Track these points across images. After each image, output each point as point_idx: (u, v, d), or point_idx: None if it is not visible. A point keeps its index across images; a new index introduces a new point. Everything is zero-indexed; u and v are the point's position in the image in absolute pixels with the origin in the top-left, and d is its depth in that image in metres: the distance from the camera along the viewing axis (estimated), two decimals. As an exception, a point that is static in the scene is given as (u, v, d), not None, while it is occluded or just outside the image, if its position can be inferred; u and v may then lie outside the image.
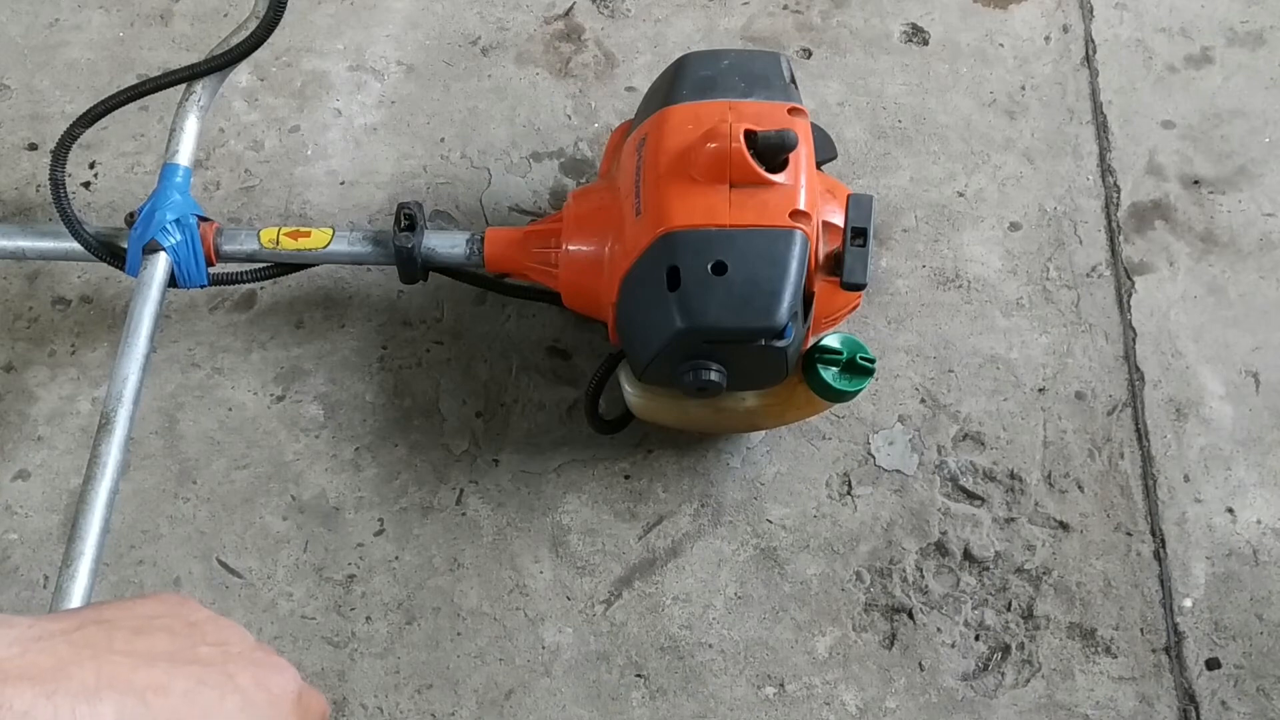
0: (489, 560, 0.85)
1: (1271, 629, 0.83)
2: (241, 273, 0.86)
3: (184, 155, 0.85)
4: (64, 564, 0.70)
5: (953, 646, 0.83)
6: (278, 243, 0.84)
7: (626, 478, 0.88)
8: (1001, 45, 1.07)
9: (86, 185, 1.00)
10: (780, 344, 0.70)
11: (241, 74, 1.04)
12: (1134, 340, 0.94)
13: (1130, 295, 0.96)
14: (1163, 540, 0.86)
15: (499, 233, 0.83)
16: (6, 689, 0.33)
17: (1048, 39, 1.08)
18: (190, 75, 0.85)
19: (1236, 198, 1.00)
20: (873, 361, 0.75)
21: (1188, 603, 0.84)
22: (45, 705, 0.34)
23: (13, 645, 0.35)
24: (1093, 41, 1.08)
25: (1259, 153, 1.02)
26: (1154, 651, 0.83)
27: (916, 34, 1.08)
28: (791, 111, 0.74)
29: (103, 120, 0.84)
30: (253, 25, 0.84)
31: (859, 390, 0.76)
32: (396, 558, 0.85)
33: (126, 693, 0.35)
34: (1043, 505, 0.88)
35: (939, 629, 0.83)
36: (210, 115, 0.93)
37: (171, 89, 0.86)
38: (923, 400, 0.91)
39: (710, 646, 0.83)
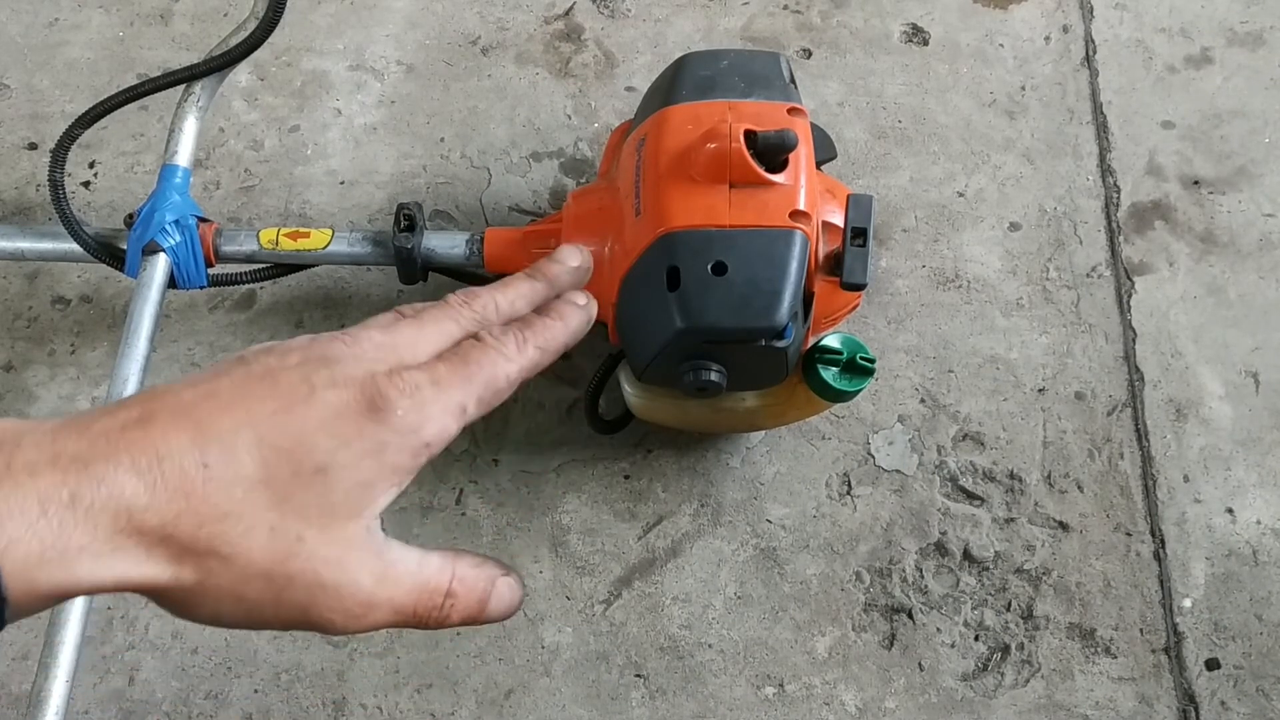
0: (489, 560, 0.85)
1: (1271, 629, 0.83)
2: (241, 273, 0.86)
3: (183, 156, 0.85)
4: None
5: (952, 646, 0.83)
6: (277, 243, 0.84)
7: (626, 478, 0.88)
8: (1001, 45, 1.07)
9: (86, 185, 1.00)
10: (780, 344, 0.70)
11: (241, 74, 1.04)
12: (1134, 340, 0.94)
13: (1130, 295, 0.96)
14: (1162, 540, 0.86)
15: (499, 233, 0.83)
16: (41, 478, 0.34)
17: (1048, 39, 1.08)
18: (189, 76, 0.85)
19: (1236, 198, 1.00)
20: (873, 361, 0.75)
21: (1187, 603, 0.84)
22: (129, 474, 0.34)
23: (44, 437, 0.35)
24: (1093, 41, 1.08)
25: (1259, 153, 1.02)
26: (1153, 652, 0.83)
27: (916, 34, 1.08)
28: (791, 111, 0.74)
29: (102, 120, 0.83)
30: (252, 25, 0.84)
31: (859, 390, 0.76)
32: (396, 558, 0.85)
33: (176, 414, 0.36)
34: (1042, 505, 0.88)
35: (939, 629, 0.83)
36: (210, 115, 0.93)
37: (171, 89, 0.86)
38: (923, 400, 0.91)
39: (710, 646, 0.83)
